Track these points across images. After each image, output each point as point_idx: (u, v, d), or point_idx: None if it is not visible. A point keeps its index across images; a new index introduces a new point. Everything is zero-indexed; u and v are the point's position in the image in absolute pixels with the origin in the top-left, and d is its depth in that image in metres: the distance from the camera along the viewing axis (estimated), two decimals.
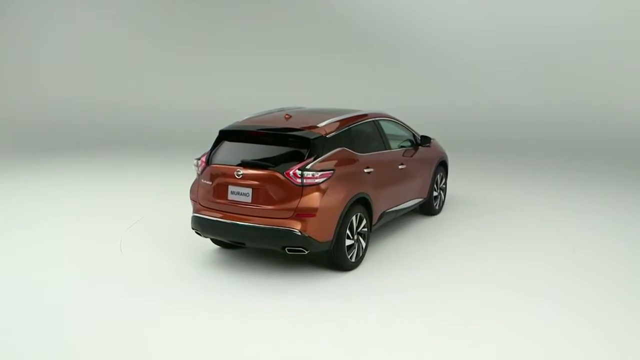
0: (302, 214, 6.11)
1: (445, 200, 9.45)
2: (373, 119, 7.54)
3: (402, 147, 8.01)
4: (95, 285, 6.21)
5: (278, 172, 6.18)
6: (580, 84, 16.17)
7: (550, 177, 11.80)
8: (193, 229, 6.79)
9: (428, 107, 15.64)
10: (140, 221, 8.60)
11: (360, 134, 7.13)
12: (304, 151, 6.31)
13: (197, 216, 6.68)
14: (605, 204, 9.61)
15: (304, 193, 6.13)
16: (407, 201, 7.97)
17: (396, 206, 7.67)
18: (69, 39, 18.78)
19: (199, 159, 6.82)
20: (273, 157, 6.44)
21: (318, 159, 6.27)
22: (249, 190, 6.28)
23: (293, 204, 6.11)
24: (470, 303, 5.72)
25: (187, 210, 7.36)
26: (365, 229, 6.87)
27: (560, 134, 15.36)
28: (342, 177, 6.46)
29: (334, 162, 6.42)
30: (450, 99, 16.68)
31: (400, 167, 7.76)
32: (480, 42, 17.28)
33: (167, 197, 10.00)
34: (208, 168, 6.64)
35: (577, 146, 14.69)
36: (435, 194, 8.86)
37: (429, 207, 8.82)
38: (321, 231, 6.22)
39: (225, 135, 6.82)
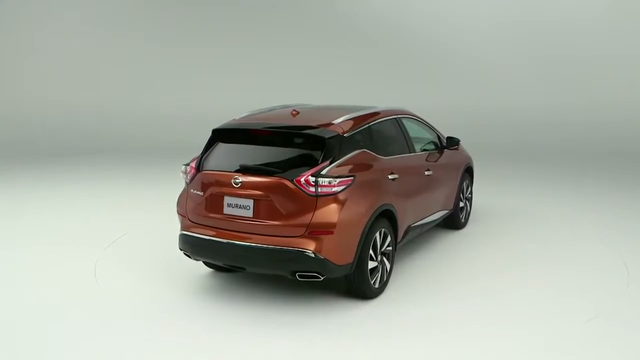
0: (317, 231, 4.91)
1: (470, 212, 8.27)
2: (395, 117, 6.37)
3: (424, 150, 6.84)
4: (63, 324, 4.99)
5: (286, 179, 4.99)
6: (597, 83, 15.08)
7: (586, 182, 10.64)
8: (181, 249, 5.57)
9: (439, 108, 14.46)
10: (121, 239, 7.36)
11: (381, 133, 5.96)
12: (317, 153, 5.13)
13: (185, 234, 5.46)
14: None
15: (319, 205, 4.94)
16: (433, 213, 6.79)
17: (422, 219, 6.49)
18: (47, 41, 17.55)
19: (187, 164, 5.62)
20: (279, 162, 5.26)
21: (335, 163, 5.09)
22: (250, 202, 5.08)
23: (305, 219, 4.92)
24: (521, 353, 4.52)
25: (175, 227, 6.18)
26: (390, 248, 5.67)
27: (588, 136, 14.26)
28: (364, 185, 5.28)
29: (354, 166, 5.24)
30: (463, 100, 15.57)
31: (426, 173, 6.59)
32: (493, 42, 16.18)
33: (153, 212, 8.76)
34: (199, 175, 5.44)
35: (606, 150, 13.53)
36: (461, 204, 7.68)
37: (454, 220, 7.63)
38: (340, 252, 5.03)
39: (220, 135, 5.62)
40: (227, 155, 5.47)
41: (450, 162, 7.31)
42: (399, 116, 6.46)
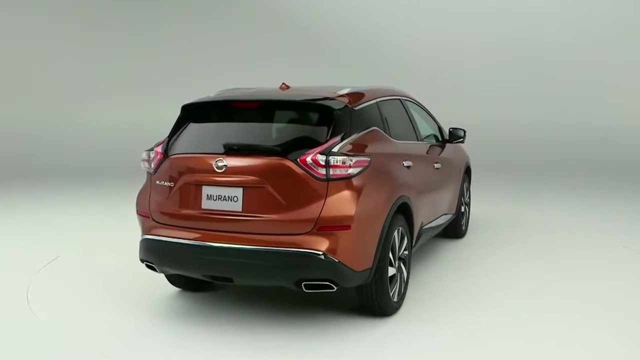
0: (329, 226, 3.75)
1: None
2: (399, 97, 5.32)
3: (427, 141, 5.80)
4: None
5: (288, 159, 3.81)
6: (574, 102, 14.56)
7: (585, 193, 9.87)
8: (143, 260, 4.27)
9: None
10: (57, 261, 5.92)
11: (390, 113, 4.89)
12: (324, 129, 3.99)
13: (149, 240, 4.18)
14: None
15: (331, 191, 3.78)
16: (440, 216, 5.74)
17: (433, 221, 5.42)
18: None
19: (150, 150, 4.36)
20: (275, 140, 4.10)
21: (347, 140, 3.96)
22: (238, 192, 3.87)
23: (313, 210, 3.75)
24: None
25: (124, 241, 4.91)
26: (406, 252, 4.55)
27: (569, 152, 13.60)
28: (379, 171, 4.17)
29: (367, 146, 4.13)
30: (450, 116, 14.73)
31: (435, 166, 5.55)
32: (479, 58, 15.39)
33: (96, 232, 7.35)
34: (167, 162, 4.19)
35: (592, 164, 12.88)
36: (461, 209, 6.66)
37: (456, 228, 6.58)
38: (358, 254, 3.88)
39: (193, 112, 4.41)
40: (204, 135, 4.27)
41: (453, 159, 6.30)
42: (403, 98, 5.42)
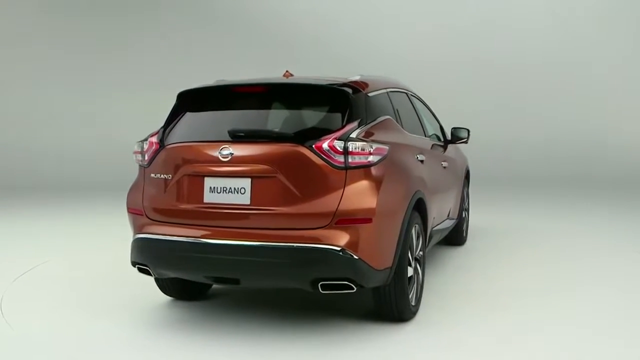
0: (348, 219, 3.39)
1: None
2: (406, 91, 5.02)
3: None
4: None
5: (302, 145, 3.44)
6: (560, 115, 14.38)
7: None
8: (135, 264, 3.83)
9: None
10: (34, 271, 5.42)
11: (399, 105, 4.57)
12: (337, 116, 3.65)
13: (143, 239, 3.75)
14: None
15: (349, 181, 3.42)
16: (446, 219, 5.42)
17: (440, 224, 5.09)
18: None
19: (144, 140, 3.94)
20: (285, 126, 3.74)
21: (364, 127, 3.62)
22: (246, 183, 3.49)
23: (331, 202, 3.39)
24: None
25: (106, 252, 4.46)
26: (421, 252, 4.21)
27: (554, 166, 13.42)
28: (397, 162, 3.84)
29: (383, 135, 3.79)
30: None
31: (443, 164, 5.24)
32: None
33: (77, 241, 6.87)
34: (164, 152, 3.79)
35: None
36: (462, 214, 6.36)
37: (458, 234, 6.26)
38: (379, 250, 3.52)
39: (191, 100, 4.02)
40: (205, 123, 3.89)
41: (456, 160, 6.01)
42: (409, 92, 5.12)
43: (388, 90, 4.41)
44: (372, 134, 3.64)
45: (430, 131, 5.44)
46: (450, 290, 4.72)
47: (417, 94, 5.49)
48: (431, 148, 5.02)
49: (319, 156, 3.42)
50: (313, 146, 3.42)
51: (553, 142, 14.03)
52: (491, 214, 8.27)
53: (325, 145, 3.42)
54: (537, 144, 14.05)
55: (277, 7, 15.56)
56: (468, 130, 5.70)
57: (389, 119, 4.04)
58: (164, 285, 4.33)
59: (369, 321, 3.91)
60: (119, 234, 5.07)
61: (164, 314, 4.20)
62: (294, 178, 3.42)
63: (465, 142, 5.79)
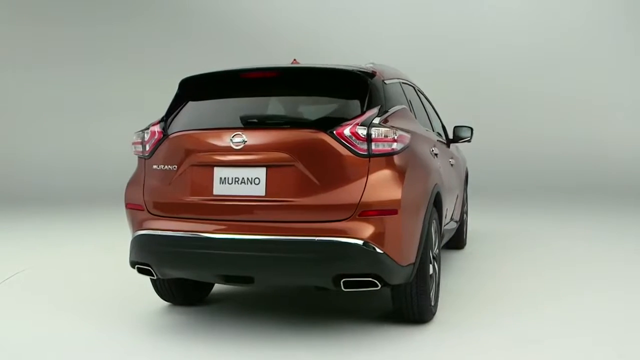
0: (372, 211, 3.14)
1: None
2: (413, 85, 4.82)
3: None
4: None
5: (322, 131, 3.19)
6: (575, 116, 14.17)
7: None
8: (135, 264, 3.52)
9: None
10: (22, 274, 5.04)
11: (410, 97, 4.37)
12: (356, 101, 3.41)
13: (144, 235, 3.44)
14: None
15: (372, 170, 3.18)
16: (451, 220, 5.20)
17: (447, 224, 4.88)
18: None
19: (145, 129, 3.64)
20: (300, 113, 3.49)
21: (383, 114, 3.39)
22: (260, 173, 3.22)
23: (354, 192, 3.14)
24: None
25: (95, 257, 4.11)
26: (437, 250, 3.98)
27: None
28: (417, 153, 3.63)
29: (402, 124, 3.57)
30: None
31: (451, 162, 5.05)
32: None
33: (64, 248, 6.49)
34: (168, 141, 3.50)
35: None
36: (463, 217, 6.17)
37: (459, 237, 6.06)
38: (403, 245, 3.27)
39: (195, 88, 3.74)
40: (213, 110, 3.61)
41: (459, 159, 5.82)
42: (415, 86, 4.92)
43: (400, 80, 4.20)
44: (391, 122, 3.42)
45: (435, 128, 5.25)
46: (464, 291, 4.51)
47: (423, 91, 5.30)
48: (441, 143, 4.82)
49: (340, 143, 3.17)
50: (334, 132, 3.18)
51: (547, 150, 13.88)
52: (487, 219, 8.10)
53: (347, 132, 3.18)
54: (531, 151, 13.86)
55: (251, 8, 15.25)
56: (471, 129, 5.48)
57: (405, 108, 3.83)
58: (162, 290, 4.01)
59: (381, 324, 3.66)
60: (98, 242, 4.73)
61: (161, 319, 3.89)
62: (314, 167, 3.17)
63: (469, 141, 5.58)
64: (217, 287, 4.46)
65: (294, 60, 4.10)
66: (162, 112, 3.67)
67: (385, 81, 3.68)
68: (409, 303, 3.54)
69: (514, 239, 6.81)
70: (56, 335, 3.57)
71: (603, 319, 3.78)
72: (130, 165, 3.91)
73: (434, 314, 3.76)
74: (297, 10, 15.15)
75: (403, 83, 4.29)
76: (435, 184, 3.80)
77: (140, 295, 4.28)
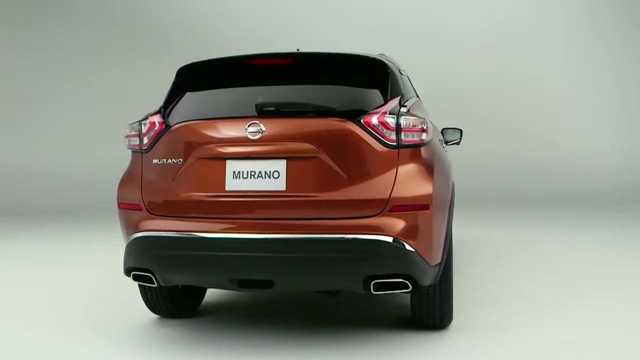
0: (404, 206, 2.88)
1: None
2: (411, 82, 4.62)
3: None
4: None
5: (349, 119, 2.93)
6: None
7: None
8: (132, 270, 3.13)
9: None
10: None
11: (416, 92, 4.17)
12: (377, 91, 3.16)
13: (144, 238, 3.06)
14: None
15: (402, 161, 2.94)
16: None
17: None
18: None
19: (142, 121, 3.27)
20: (320, 101, 3.21)
21: (405, 105, 3.16)
22: (281, 166, 2.92)
23: (383, 186, 2.89)
24: None
25: (75, 270, 3.66)
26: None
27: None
28: (438, 146, 3.43)
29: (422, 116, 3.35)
30: None
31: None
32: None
33: (47, 263, 5.92)
34: (170, 133, 3.14)
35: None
36: None
37: None
38: (433, 244, 3.03)
39: (195, 76, 3.40)
40: (221, 98, 3.27)
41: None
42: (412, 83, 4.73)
43: (407, 75, 4.00)
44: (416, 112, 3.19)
45: None
46: (470, 295, 4.30)
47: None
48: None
49: (368, 132, 2.92)
50: (362, 121, 2.92)
51: (539, 155, 13.84)
52: (471, 227, 7.95)
53: (374, 120, 2.93)
54: (522, 157, 13.81)
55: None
56: (460, 131, 5.29)
57: (419, 100, 3.63)
58: (152, 301, 3.62)
59: (394, 331, 3.40)
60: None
61: (150, 333, 3.50)
62: (340, 158, 2.89)
63: (457, 144, 5.42)
64: (208, 297, 4.10)
65: (298, 50, 3.81)
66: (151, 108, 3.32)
67: (401, 71, 3.47)
68: (431, 308, 3.30)
69: (501, 244, 6.69)
70: (35, 352, 3.13)
71: (631, 318, 3.66)
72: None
73: (452, 318, 3.54)
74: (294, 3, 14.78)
75: (410, 79, 4.09)
76: (453, 182, 3.61)
77: (126, 309, 3.87)
